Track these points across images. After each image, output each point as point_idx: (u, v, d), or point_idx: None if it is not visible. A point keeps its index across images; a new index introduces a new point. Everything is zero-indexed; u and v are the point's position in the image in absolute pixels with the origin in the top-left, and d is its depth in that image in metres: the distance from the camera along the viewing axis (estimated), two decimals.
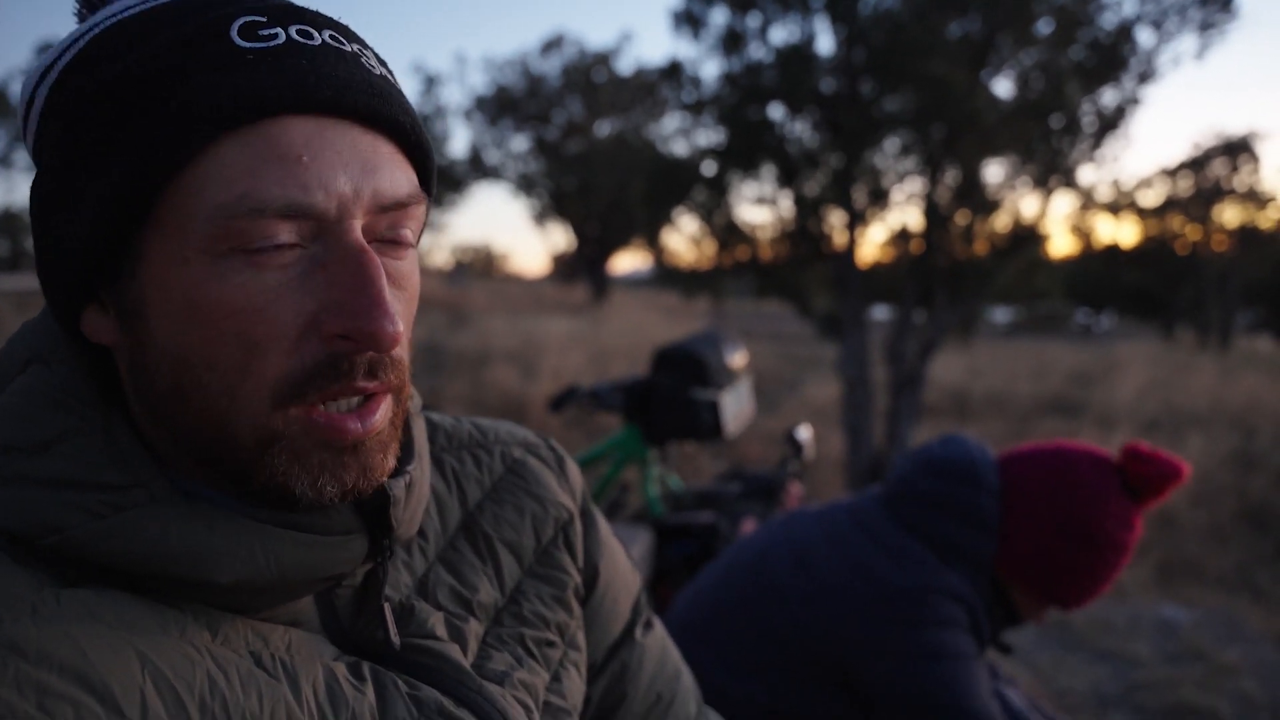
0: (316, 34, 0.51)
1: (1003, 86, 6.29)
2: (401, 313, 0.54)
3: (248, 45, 0.49)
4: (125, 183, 0.48)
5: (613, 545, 0.82)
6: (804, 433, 2.92)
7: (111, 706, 0.45)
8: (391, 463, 0.56)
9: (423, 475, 0.64)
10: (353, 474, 0.53)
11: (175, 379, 0.51)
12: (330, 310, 0.50)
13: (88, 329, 0.54)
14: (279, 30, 0.50)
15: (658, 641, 0.84)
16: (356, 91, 0.51)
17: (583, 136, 26.45)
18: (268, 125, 0.48)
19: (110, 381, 0.56)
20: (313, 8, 0.54)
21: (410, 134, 0.54)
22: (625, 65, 29.33)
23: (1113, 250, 25.19)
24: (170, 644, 0.49)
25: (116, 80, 0.49)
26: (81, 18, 0.55)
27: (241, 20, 0.50)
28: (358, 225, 0.51)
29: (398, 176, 0.53)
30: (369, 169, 0.51)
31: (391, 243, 0.54)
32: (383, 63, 0.56)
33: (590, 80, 25.83)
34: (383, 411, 0.54)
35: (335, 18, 0.54)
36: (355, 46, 0.54)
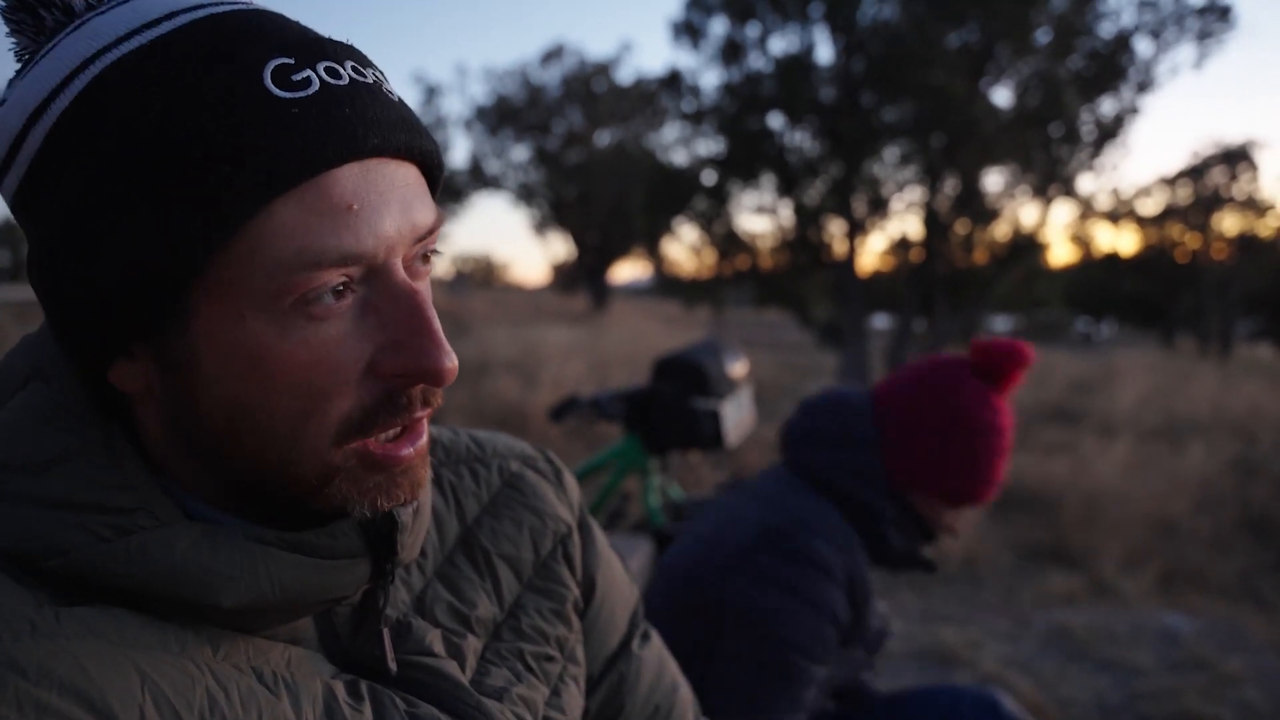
0: (341, 70, 0.51)
1: (1002, 96, 6.32)
2: None
3: (286, 95, 0.48)
4: (180, 244, 0.46)
5: (610, 557, 0.83)
6: None
7: None
8: (429, 471, 0.59)
9: (426, 498, 0.64)
10: (405, 490, 0.56)
11: (231, 425, 0.51)
12: (388, 352, 0.52)
13: (117, 378, 0.53)
14: (309, 73, 0.49)
15: (655, 653, 0.84)
16: (397, 131, 0.51)
17: (583, 146, 26.51)
18: (319, 178, 0.48)
19: (113, 398, 0.56)
20: (323, 31, 0.53)
21: (435, 160, 0.56)
22: (625, 75, 29.40)
23: (1112, 258, 25.22)
24: (170, 661, 0.49)
25: (154, 134, 0.46)
26: (44, 32, 0.52)
27: (272, 65, 0.48)
28: (400, 263, 0.52)
29: (426, 204, 0.54)
30: (407, 206, 0.52)
31: (420, 264, 0.55)
32: (382, 73, 0.56)
33: (590, 90, 25.91)
34: (427, 430, 0.57)
35: (346, 41, 0.54)
36: (372, 73, 0.53)
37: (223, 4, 0.52)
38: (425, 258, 0.55)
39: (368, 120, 0.50)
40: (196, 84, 0.47)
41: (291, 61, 0.49)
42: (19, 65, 0.54)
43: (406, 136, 0.52)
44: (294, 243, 0.47)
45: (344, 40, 0.54)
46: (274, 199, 0.47)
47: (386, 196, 0.50)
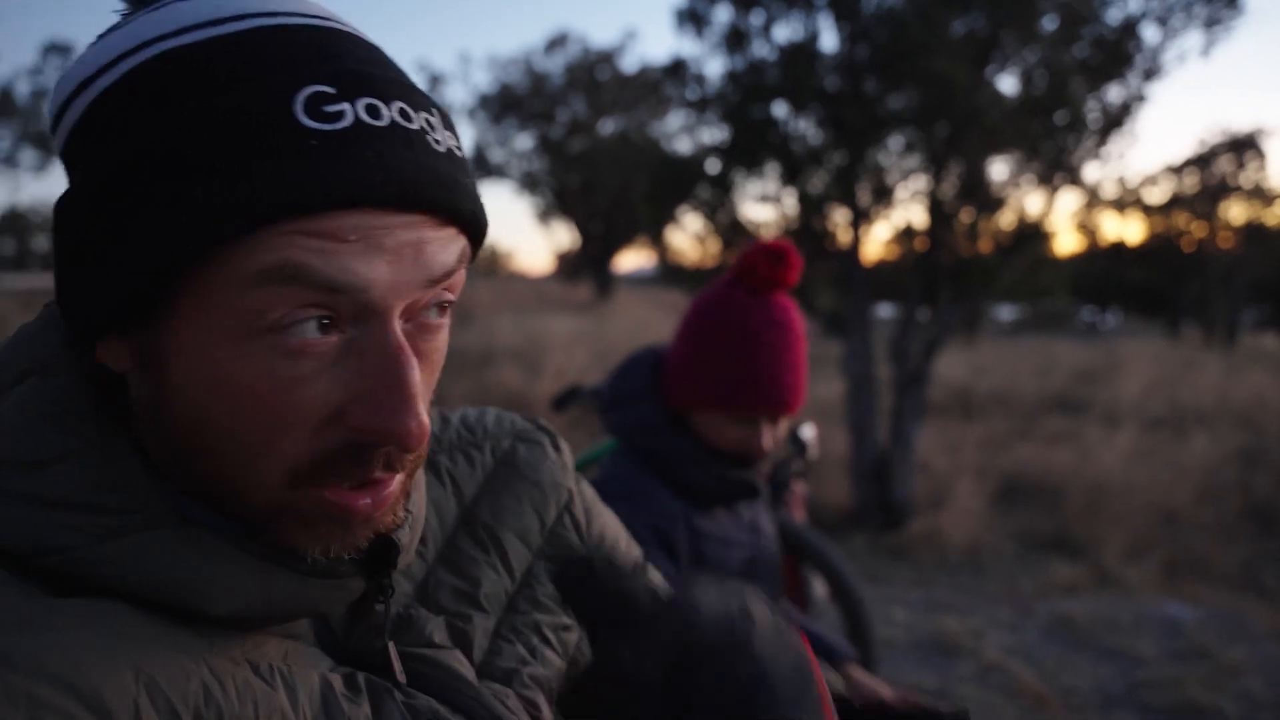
0: (385, 109, 0.48)
1: (1007, 83, 6.27)
2: (426, 397, 0.52)
3: (313, 125, 0.46)
4: (176, 246, 0.46)
5: (606, 514, 0.82)
6: (808, 432, 2.91)
7: (104, 717, 0.44)
8: (402, 515, 0.56)
9: (420, 506, 0.63)
10: (363, 537, 0.53)
11: (189, 439, 0.51)
12: (358, 403, 0.49)
13: (104, 355, 0.53)
14: (346, 107, 0.47)
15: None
16: (421, 185, 0.48)
17: (586, 135, 26.45)
18: (324, 214, 0.46)
19: (109, 395, 0.55)
20: (386, 75, 0.50)
21: (471, 219, 0.52)
22: (629, 63, 29.32)
23: (1118, 247, 25.10)
24: (164, 653, 0.49)
25: (172, 135, 0.46)
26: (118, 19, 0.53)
27: (308, 91, 0.47)
28: (397, 313, 0.49)
29: (449, 249, 0.51)
30: (420, 251, 0.49)
31: (433, 310, 0.53)
32: (449, 125, 0.52)
33: (594, 78, 25.83)
34: (396, 485, 0.54)
35: (408, 81, 0.51)
36: (423, 118, 0.50)
37: (300, 16, 0.51)
38: (441, 308, 0.53)
39: (390, 167, 0.47)
40: (226, 93, 0.46)
41: (332, 91, 0.47)
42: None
43: (436, 192, 0.49)
44: (279, 257, 0.46)
45: (409, 81, 0.51)
46: (271, 225, 0.45)
47: (399, 241, 0.48)
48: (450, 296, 0.53)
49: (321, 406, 0.49)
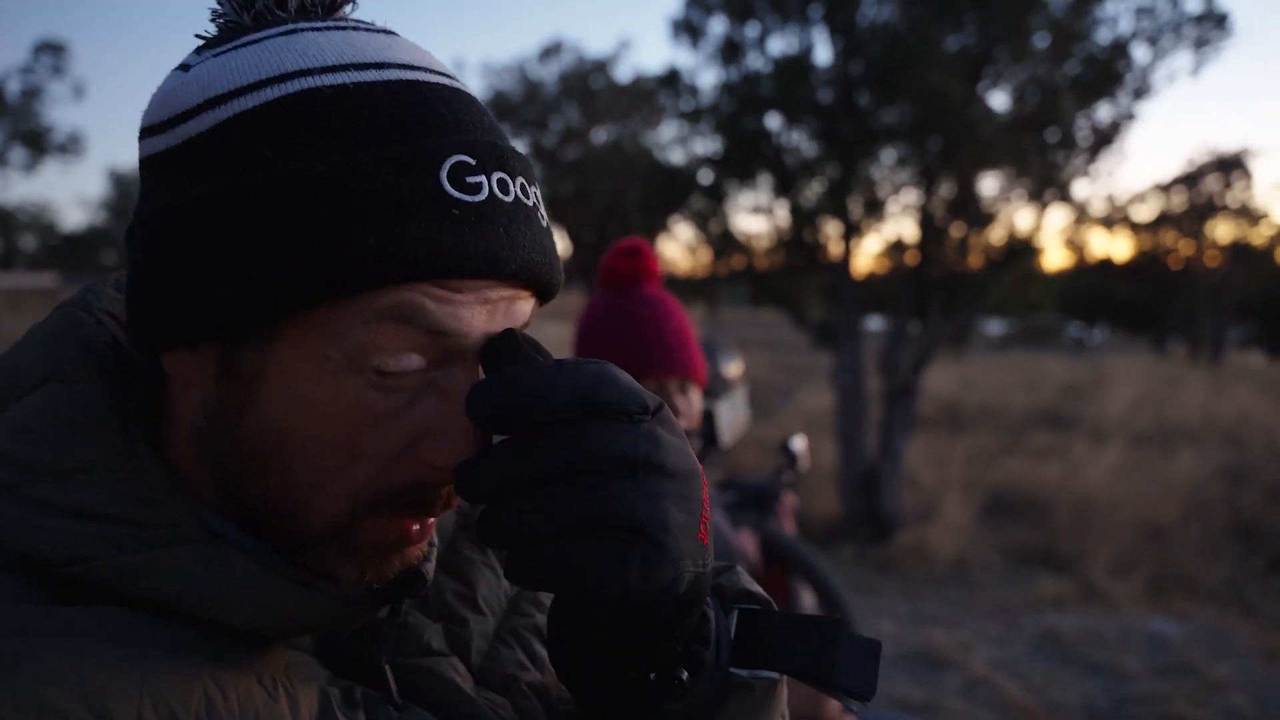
0: (511, 185, 0.52)
1: (999, 100, 6.32)
2: None
3: (455, 195, 0.49)
4: (301, 291, 0.47)
5: None
6: (799, 443, 2.92)
7: None
8: (427, 548, 0.58)
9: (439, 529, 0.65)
10: (395, 568, 0.56)
11: (262, 455, 0.51)
12: (432, 440, 0.51)
13: (170, 364, 0.53)
14: (483, 179, 0.50)
15: None
16: (535, 264, 0.53)
17: (580, 143, 26.48)
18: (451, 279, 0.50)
19: (132, 401, 0.55)
20: (508, 146, 0.54)
21: (553, 290, 0.57)
22: (623, 73, 29.37)
23: (1106, 264, 25.28)
24: (169, 662, 0.49)
25: (321, 183, 0.47)
26: (249, 9, 0.54)
27: (453, 160, 0.50)
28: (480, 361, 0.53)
29: (529, 304, 0.56)
30: (512, 306, 0.53)
31: None
32: (541, 199, 0.56)
33: (588, 87, 25.88)
34: (437, 520, 0.57)
35: (518, 151, 0.54)
36: (534, 194, 0.54)
37: (429, 72, 0.53)
38: None
39: (516, 244, 0.51)
40: (383, 148, 0.48)
41: (472, 163, 0.50)
42: (212, 31, 0.55)
43: (541, 270, 0.53)
44: (402, 300, 0.48)
45: (518, 150, 0.54)
46: (403, 283, 0.48)
47: (496, 302, 0.52)
48: None
49: (400, 438, 0.51)
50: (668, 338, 1.57)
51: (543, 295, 0.57)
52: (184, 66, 0.53)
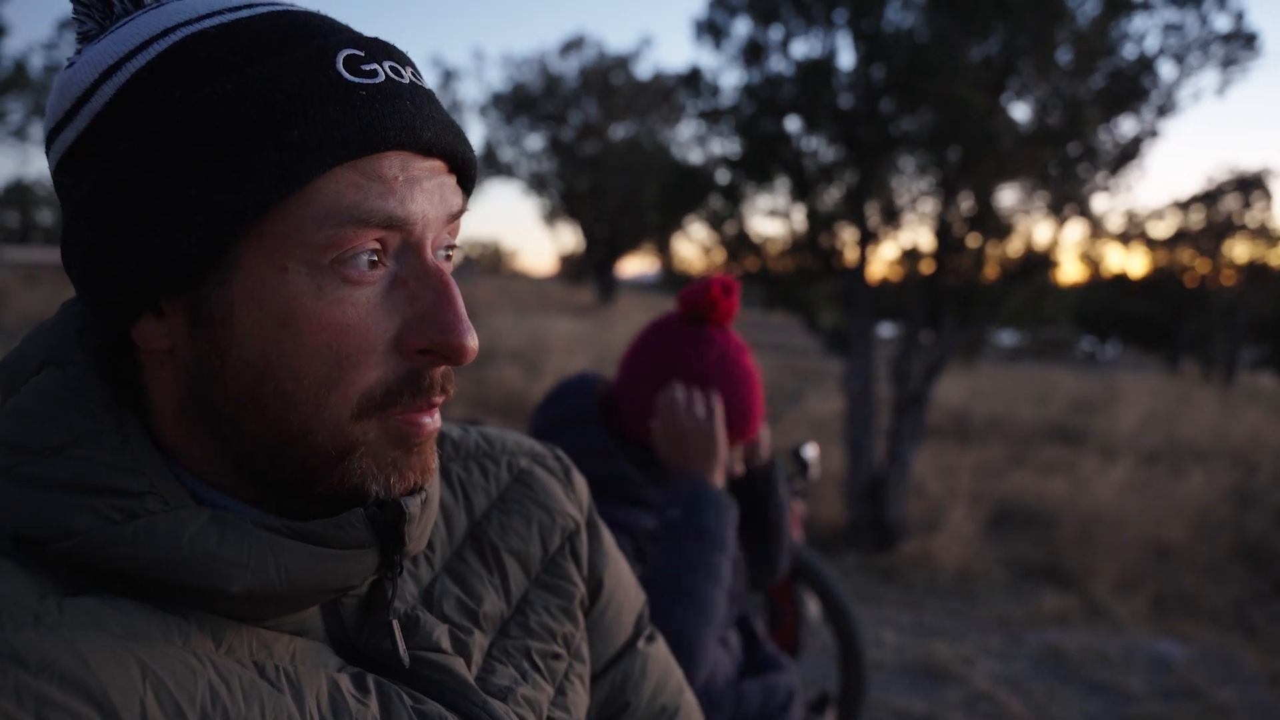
0: (404, 71, 0.56)
1: (1021, 112, 6.28)
2: None
3: (355, 80, 0.53)
4: (246, 201, 0.50)
5: (617, 558, 0.83)
6: (810, 451, 2.90)
7: (111, 717, 0.45)
8: (434, 466, 0.59)
9: (434, 490, 0.65)
10: (416, 472, 0.57)
11: (255, 389, 0.52)
12: (415, 326, 0.55)
13: (140, 336, 0.54)
14: (377, 66, 0.54)
15: (661, 654, 0.84)
16: (446, 133, 0.57)
17: (597, 138, 26.46)
18: (376, 155, 0.53)
19: (122, 385, 0.57)
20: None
21: (471, 168, 0.60)
22: (644, 70, 29.39)
23: (1121, 279, 25.15)
24: (173, 653, 0.49)
25: (234, 99, 0.50)
26: (111, 17, 0.56)
27: (345, 53, 0.54)
28: (431, 244, 0.56)
29: (458, 192, 0.59)
30: (444, 191, 0.57)
31: (443, 250, 0.59)
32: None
33: (608, 82, 25.85)
34: (437, 419, 0.59)
35: (405, 53, 0.59)
36: (426, 82, 0.58)
37: (290, 6, 0.58)
38: (451, 248, 0.59)
39: (424, 116, 0.55)
40: (276, 58, 0.52)
41: (362, 54, 0.54)
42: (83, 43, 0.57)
43: (453, 140, 0.57)
44: (344, 200, 0.51)
45: (406, 54, 0.59)
46: (336, 166, 0.51)
47: (426, 184, 0.55)
48: (455, 240, 0.60)
49: (383, 333, 0.54)
50: (750, 406, 1.57)
51: (462, 177, 0.60)
52: (69, 63, 0.55)
